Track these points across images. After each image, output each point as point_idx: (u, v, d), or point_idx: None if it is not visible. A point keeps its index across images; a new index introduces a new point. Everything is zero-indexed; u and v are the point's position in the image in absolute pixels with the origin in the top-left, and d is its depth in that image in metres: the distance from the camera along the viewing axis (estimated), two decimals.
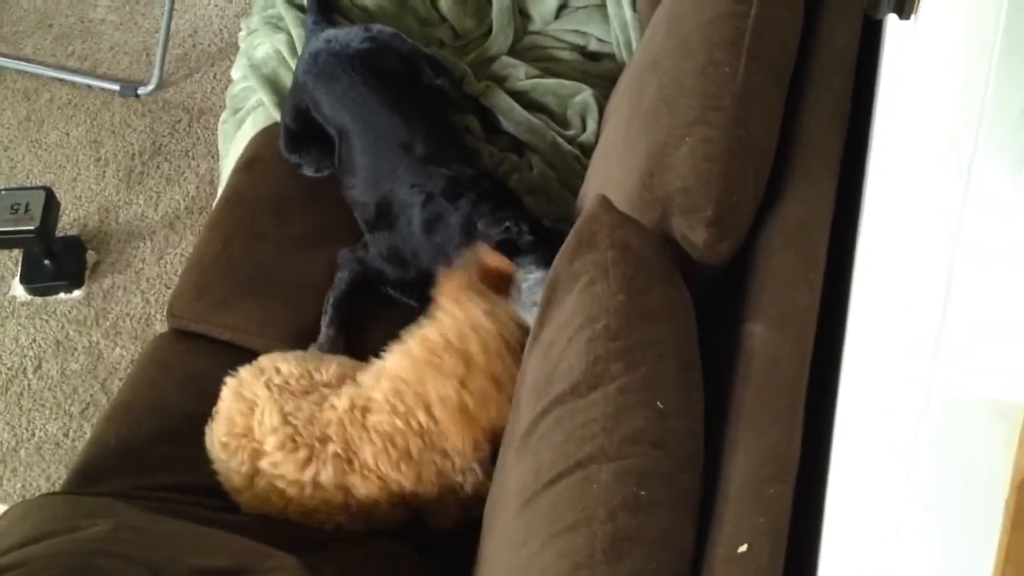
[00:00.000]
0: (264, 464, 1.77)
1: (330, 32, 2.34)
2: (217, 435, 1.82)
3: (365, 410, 1.74)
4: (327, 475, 1.74)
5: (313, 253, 2.19)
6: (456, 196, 2.06)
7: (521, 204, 2.13)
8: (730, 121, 1.58)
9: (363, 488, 1.75)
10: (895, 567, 0.91)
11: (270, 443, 1.76)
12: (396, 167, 2.13)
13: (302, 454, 1.74)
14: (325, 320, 2.07)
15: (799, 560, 1.30)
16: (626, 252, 1.49)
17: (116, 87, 3.27)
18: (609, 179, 1.81)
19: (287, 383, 1.81)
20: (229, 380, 1.86)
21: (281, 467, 1.75)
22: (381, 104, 2.18)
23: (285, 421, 1.76)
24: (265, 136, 2.39)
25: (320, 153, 2.27)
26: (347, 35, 2.30)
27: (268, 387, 1.80)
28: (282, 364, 1.85)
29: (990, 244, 0.76)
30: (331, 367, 1.86)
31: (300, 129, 2.29)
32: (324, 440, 1.74)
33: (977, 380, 0.76)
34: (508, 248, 1.94)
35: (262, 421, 1.77)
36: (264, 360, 1.88)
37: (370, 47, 2.27)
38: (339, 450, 1.74)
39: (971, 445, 0.77)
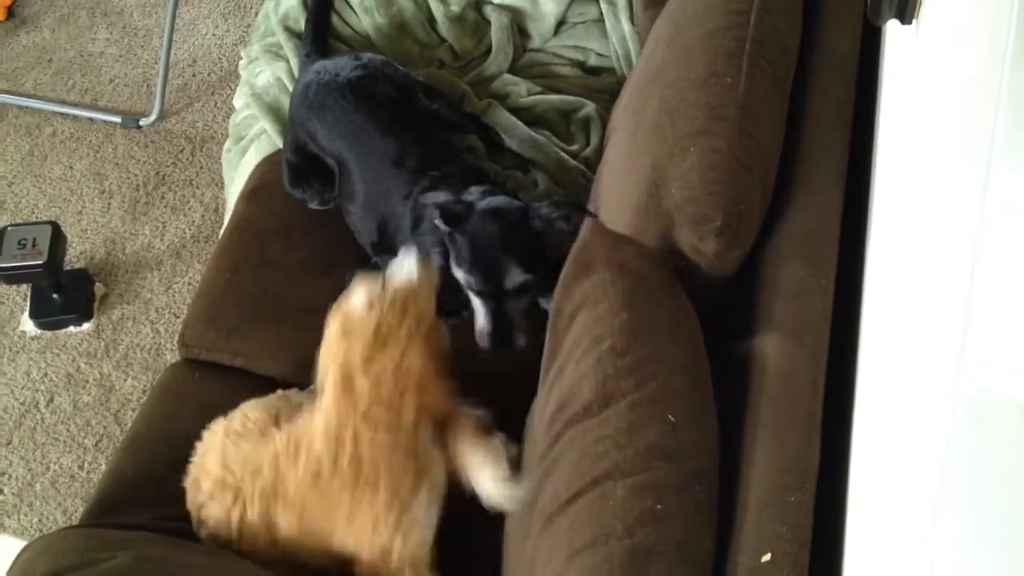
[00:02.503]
0: (204, 513, 1.77)
1: (320, 64, 2.35)
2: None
3: (297, 447, 1.71)
4: (252, 512, 1.71)
5: (323, 278, 2.19)
6: (427, 190, 2.07)
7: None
8: (735, 130, 1.58)
9: (284, 523, 1.70)
10: (926, 573, 0.91)
11: (205, 489, 1.77)
12: (391, 187, 2.14)
13: (229, 495, 1.73)
14: None
15: (822, 568, 1.30)
16: (624, 271, 1.50)
17: (118, 119, 3.29)
18: (614, 192, 1.81)
19: (246, 427, 1.80)
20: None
21: (211, 511, 1.75)
22: (375, 129, 2.19)
23: (223, 466, 1.75)
24: (269, 163, 2.39)
25: (323, 185, 2.28)
26: (336, 65, 2.31)
27: (226, 434, 1.80)
28: (252, 411, 1.84)
29: (1012, 246, 0.76)
30: (301, 407, 1.83)
31: (301, 163, 2.30)
32: (255, 475, 1.72)
33: (1005, 383, 0.76)
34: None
35: (206, 468, 1.78)
36: (243, 406, 1.87)
37: (361, 74, 2.27)
38: (267, 485, 1.71)
39: (1001, 449, 0.76)
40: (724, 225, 1.53)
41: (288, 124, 2.36)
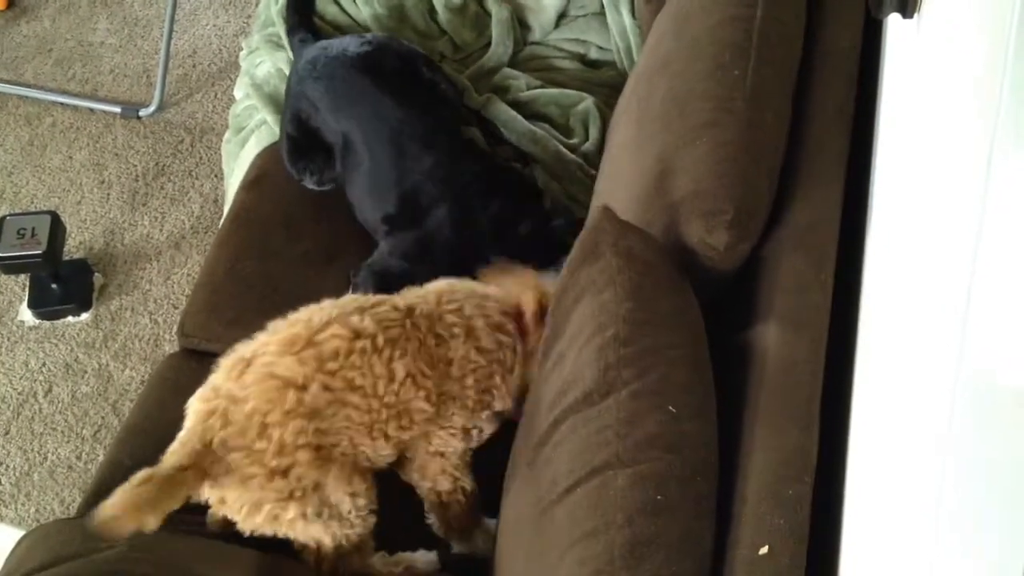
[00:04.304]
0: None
1: (324, 41, 2.36)
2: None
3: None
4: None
5: (324, 268, 2.19)
6: (487, 193, 2.08)
7: (540, 199, 2.20)
8: (744, 124, 1.58)
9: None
10: (926, 566, 0.91)
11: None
12: (419, 161, 2.14)
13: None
14: None
15: (819, 560, 1.30)
16: (632, 260, 1.49)
17: (117, 109, 3.28)
18: (618, 182, 1.80)
19: None
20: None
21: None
22: (394, 101, 2.20)
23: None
24: (270, 154, 2.39)
25: (324, 163, 2.27)
26: (342, 42, 2.32)
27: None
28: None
29: (1013, 235, 0.76)
30: None
31: (301, 135, 2.30)
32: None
33: (1006, 372, 0.76)
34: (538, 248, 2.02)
35: None
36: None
37: (369, 49, 2.29)
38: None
39: (1001, 439, 0.76)
40: (735, 218, 1.52)
41: (287, 98, 2.35)
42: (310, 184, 2.30)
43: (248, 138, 2.51)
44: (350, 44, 2.30)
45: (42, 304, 2.81)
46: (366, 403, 1.62)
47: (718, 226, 1.53)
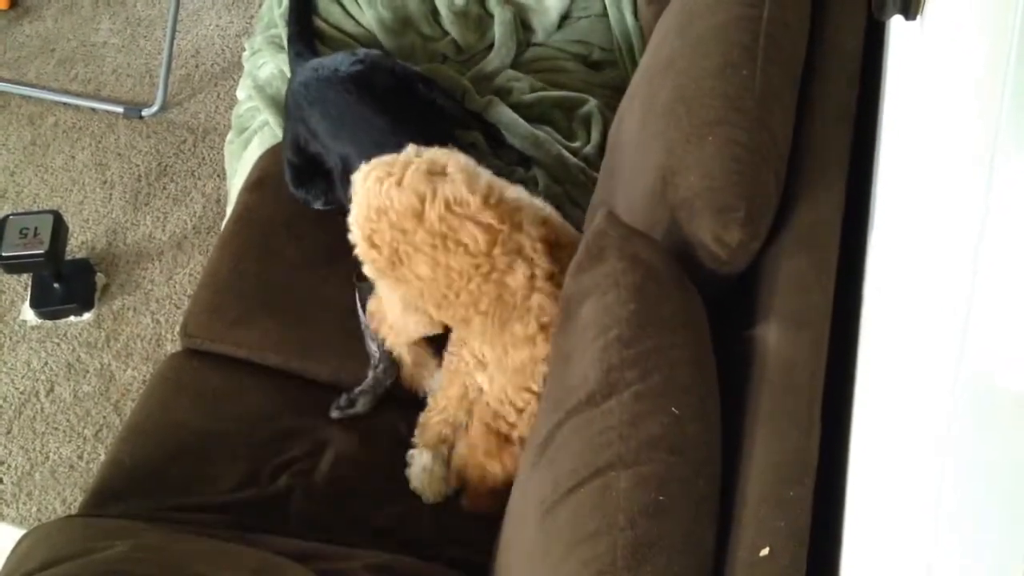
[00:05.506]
0: None
1: (315, 61, 2.34)
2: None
3: None
4: None
5: (326, 270, 2.19)
6: None
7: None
8: (753, 123, 1.57)
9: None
10: (925, 567, 0.91)
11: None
12: None
13: None
14: (373, 356, 2.07)
15: (820, 562, 1.30)
16: (635, 263, 1.49)
17: (120, 109, 3.29)
18: (620, 181, 1.80)
19: None
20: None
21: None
22: (384, 122, 2.18)
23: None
24: (272, 155, 2.39)
25: (327, 185, 2.26)
26: (334, 61, 2.30)
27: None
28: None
29: (1015, 237, 0.76)
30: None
31: (302, 162, 2.29)
32: None
33: (1005, 373, 0.76)
34: None
35: None
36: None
37: (361, 68, 2.26)
38: None
39: (1000, 441, 0.76)
40: (748, 216, 1.52)
41: (285, 123, 2.35)
42: (318, 206, 2.29)
43: (251, 139, 2.51)
44: (341, 63, 2.28)
45: (44, 304, 2.81)
46: None
47: (731, 224, 1.52)
